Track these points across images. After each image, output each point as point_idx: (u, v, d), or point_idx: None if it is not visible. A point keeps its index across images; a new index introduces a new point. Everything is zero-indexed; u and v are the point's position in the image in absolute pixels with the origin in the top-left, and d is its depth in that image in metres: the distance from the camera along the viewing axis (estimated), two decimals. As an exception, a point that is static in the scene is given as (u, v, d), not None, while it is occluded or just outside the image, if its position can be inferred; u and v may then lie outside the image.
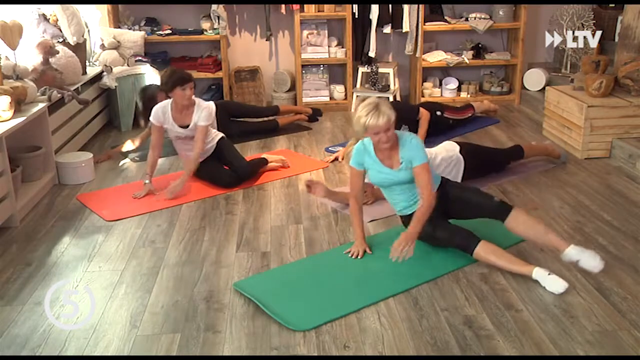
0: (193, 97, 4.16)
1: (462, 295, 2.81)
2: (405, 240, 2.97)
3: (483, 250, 3.00)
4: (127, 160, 4.90)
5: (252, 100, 6.39)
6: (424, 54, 6.38)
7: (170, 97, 4.16)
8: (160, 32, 6.20)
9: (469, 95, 6.47)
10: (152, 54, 6.19)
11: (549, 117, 5.23)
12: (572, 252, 2.89)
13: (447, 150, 4.02)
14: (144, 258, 3.26)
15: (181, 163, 4.67)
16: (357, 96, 6.40)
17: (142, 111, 5.02)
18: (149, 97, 4.79)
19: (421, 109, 4.99)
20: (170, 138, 4.36)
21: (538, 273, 2.86)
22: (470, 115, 5.59)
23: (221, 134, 4.45)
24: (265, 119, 5.69)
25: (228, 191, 4.17)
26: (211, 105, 4.27)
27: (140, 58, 5.91)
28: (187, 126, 4.18)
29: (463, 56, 6.43)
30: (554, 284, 2.79)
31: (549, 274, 2.83)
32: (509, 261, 2.95)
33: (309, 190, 3.79)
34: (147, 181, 4.16)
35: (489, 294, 2.82)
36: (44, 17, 5.15)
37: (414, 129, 4.78)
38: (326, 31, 6.35)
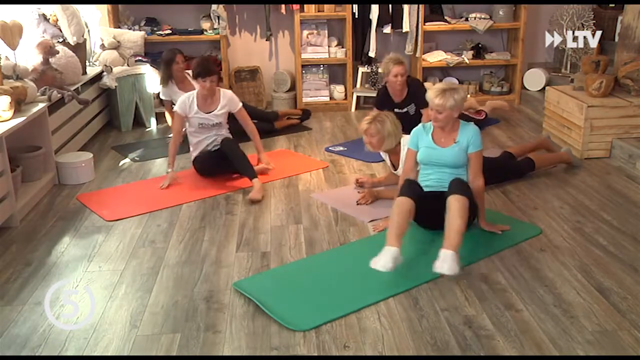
0: (216, 87, 4.41)
1: (462, 295, 2.81)
2: (491, 226, 3.42)
3: (397, 203, 3.09)
4: (127, 160, 4.90)
5: (252, 101, 6.39)
6: (424, 54, 6.38)
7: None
8: (160, 32, 6.21)
9: (468, 95, 6.47)
10: (152, 54, 6.18)
11: (549, 117, 5.23)
12: (444, 255, 2.87)
13: None
14: (144, 258, 3.26)
15: (181, 163, 4.67)
16: (357, 96, 6.41)
17: (162, 72, 5.24)
18: (168, 59, 5.13)
19: None
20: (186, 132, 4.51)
21: (388, 251, 2.89)
22: (482, 118, 5.51)
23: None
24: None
25: (228, 191, 4.18)
26: (233, 94, 4.52)
27: (140, 58, 5.91)
28: (212, 112, 4.38)
29: (463, 56, 6.43)
30: (379, 260, 2.87)
31: (386, 258, 2.86)
32: (394, 224, 3.01)
33: (360, 199, 3.93)
34: (169, 170, 4.33)
35: (489, 294, 2.82)
36: (44, 17, 5.15)
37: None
38: (326, 31, 6.36)
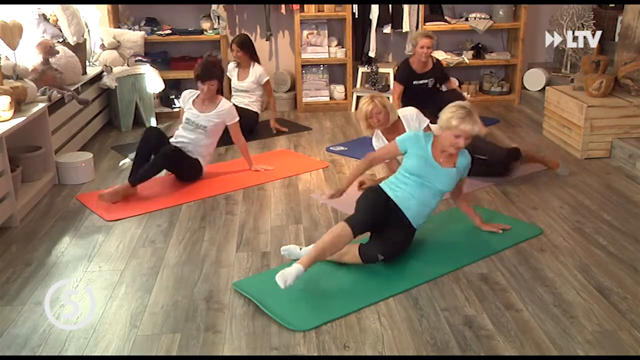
0: (219, 95, 4.42)
1: (462, 295, 2.81)
2: (490, 226, 3.41)
3: (339, 229, 2.90)
4: (127, 160, 4.90)
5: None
6: (424, 54, 6.38)
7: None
8: (160, 32, 6.21)
9: (469, 95, 6.47)
10: (152, 54, 6.19)
11: (549, 117, 5.23)
12: (292, 271, 2.75)
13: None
14: (144, 258, 3.26)
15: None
16: (357, 96, 6.41)
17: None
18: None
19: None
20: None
21: (295, 269, 2.76)
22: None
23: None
24: None
25: (228, 191, 4.18)
26: (233, 107, 4.47)
27: (140, 58, 5.91)
28: (203, 113, 4.34)
29: (463, 56, 6.43)
30: (280, 277, 2.72)
31: (292, 274, 2.73)
32: (320, 246, 2.86)
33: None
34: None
35: (489, 294, 2.82)
36: (44, 17, 5.15)
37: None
38: (326, 31, 6.36)
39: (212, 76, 4.27)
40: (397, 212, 3.10)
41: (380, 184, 3.23)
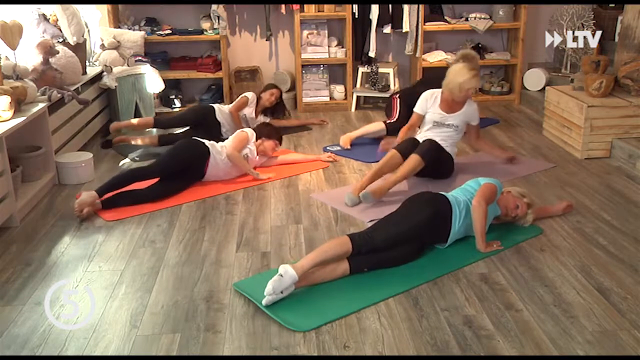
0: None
1: (462, 295, 2.81)
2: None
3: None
4: (127, 160, 4.90)
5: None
6: (424, 54, 6.38)
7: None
8: (160, 32, 6.21)
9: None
10: (152, 54, 6.19)
11: (549, 117, 5.23)
12: (285, 276, 2.71)
13: None
14: (144, 258, 3.26)
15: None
16: (357, 96, 6.41)
17: None
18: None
19: None
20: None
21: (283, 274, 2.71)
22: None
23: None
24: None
25: (228, 191, 4.18)
26: None
27: (140, 58, 5.92)
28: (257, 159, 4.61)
29: (463, 56, 6.43)
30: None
31: (276, 287, 2.68)
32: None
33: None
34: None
35: (489, 294, 2.82)
36: (44, 17, 5.15)
37: None
38: (326, 31, 6.36)
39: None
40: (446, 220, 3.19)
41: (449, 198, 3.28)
